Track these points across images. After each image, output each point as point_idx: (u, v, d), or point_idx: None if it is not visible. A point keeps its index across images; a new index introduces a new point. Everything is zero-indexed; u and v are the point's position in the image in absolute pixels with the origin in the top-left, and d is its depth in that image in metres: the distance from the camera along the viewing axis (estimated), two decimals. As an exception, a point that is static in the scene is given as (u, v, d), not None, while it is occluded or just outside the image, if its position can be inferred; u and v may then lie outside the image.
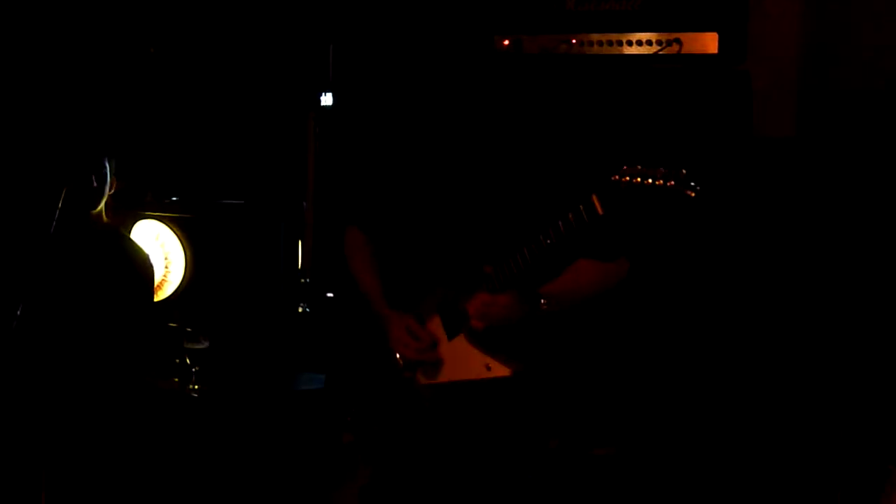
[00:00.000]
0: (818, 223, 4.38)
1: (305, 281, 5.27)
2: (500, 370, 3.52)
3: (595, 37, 4.53)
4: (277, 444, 4.74)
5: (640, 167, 3.08)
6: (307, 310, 5.26)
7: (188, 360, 4.84)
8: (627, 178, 3.08)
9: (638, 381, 4.49)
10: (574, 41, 4.55)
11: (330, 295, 5.18)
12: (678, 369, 4.47)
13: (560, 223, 3.27)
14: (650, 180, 3.05)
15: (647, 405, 4.49)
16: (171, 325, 4.89)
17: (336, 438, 4.11)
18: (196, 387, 4.82)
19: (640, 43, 4.47)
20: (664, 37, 4.44)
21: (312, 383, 5.03)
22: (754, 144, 4.46)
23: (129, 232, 4.86)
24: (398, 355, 3.71)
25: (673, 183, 3.02)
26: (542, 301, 3.49)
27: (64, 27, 5.15)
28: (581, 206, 3.21)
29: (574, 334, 3.74)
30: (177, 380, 4.84)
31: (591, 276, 3.55)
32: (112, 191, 3.99)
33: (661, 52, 4.43)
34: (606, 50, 4.53)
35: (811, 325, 4.36)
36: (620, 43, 4.50)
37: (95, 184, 3.92)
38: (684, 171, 3.01)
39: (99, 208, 3.96)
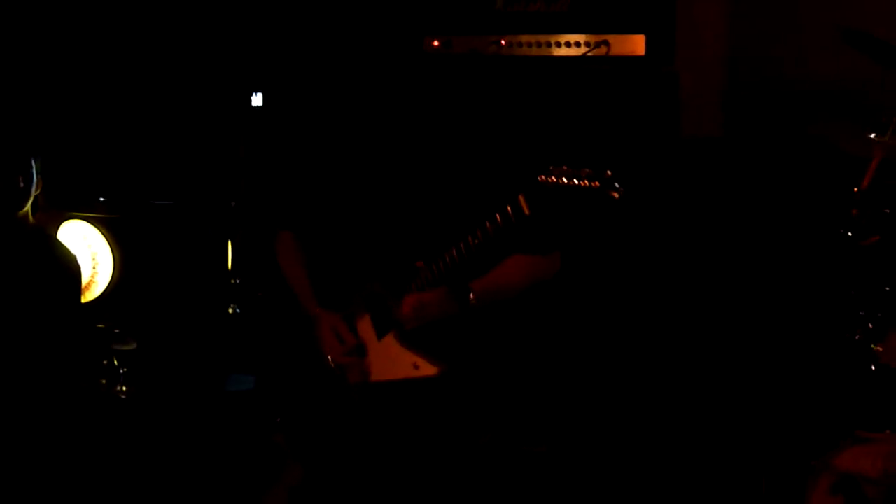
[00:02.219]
0: (745, 221, 4.44)
1: (235, 281, 5.25)
2: (428, 369, 3.53)
3: (524, 38, 4.56)
4: (207, 446, 4.72)
5: (565, 168, 3.11)
6: (237, 310, 5.24)
7: (116, 362, 4.80)
8: (553, 179, 3.11)
9: (568, 378, 4.52)
10: (503, 42, 4.57)
11: (260, 295, 5.17)
12: (607, 366, 4.50)
13: (488, 223, 3.30)
14: (576, 181, 3.08)
15: (577, 403, 4.52)
16: (99, 325, 4.85)
17: (267, 439, 4.10)
18: (124, 388, 4.78)
19: (568, 44, 4.51)
20: (593, 38, 4.47)
21: (243, 384, 5.01)
22: (682, 144, 4.50)
23: (56, 233, 4.81)
24: (328, 356, 3.72)
25: (598, 184, 3.05)
26: (472, 296, 3.51)
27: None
28: (508, 207, 3.24)
29: (501, 332, 3.76)
30: (104, 381, 4.80)
31: (522, 270, 3.59)
32: (38, 191, 3.96)
33: (589, 54, 4.47)
34: (536, 51, 4.55)
35: (736, 323, 4.41)
36: (549, 44, 4.53)
37: (21, 184, 3.89)
38: (609, 172, 3.04)
39: (25, 209, 3.92)
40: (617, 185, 3.02)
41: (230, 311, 5.24)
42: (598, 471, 4.41)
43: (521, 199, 3.20)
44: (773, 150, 4.47)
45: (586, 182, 3.05)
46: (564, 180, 3.08)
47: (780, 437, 4.19)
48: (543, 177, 3.12)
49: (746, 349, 4.38)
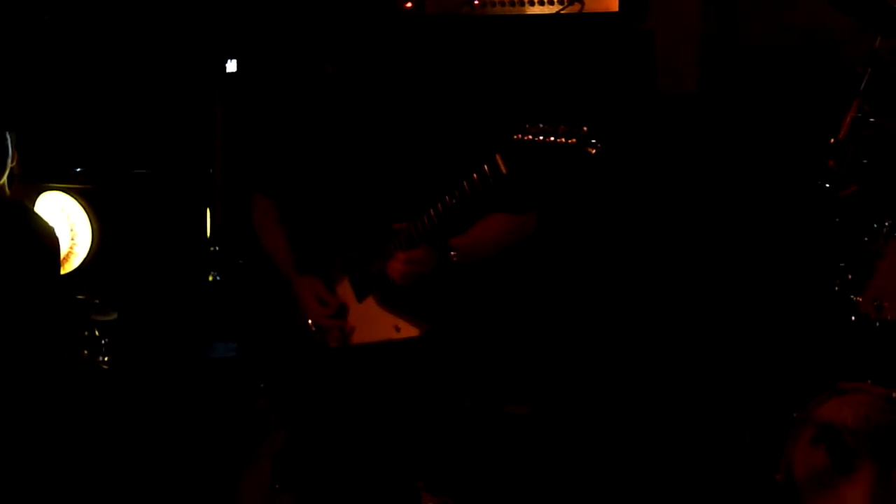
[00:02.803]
0: (722, 176, 4.44)
1: (215, 249, 5.24)
2: (409, 331, 3.54)
3: (497, -4, 4.55)
4: (191, 413, 4.72)
5: (541, 125, 3.10)
6: (218, 278, 5.23)
7: (97, 332, 4.79)
8: (530, 137, 3.10)
9: (550, 339, 4.53)
10: (476, 2, 4.55)
11: (240, 262, 5.16)
12: (588, 326, 4.51)
13: (465, 182, 3.29)
14: (552, 138, 3.07)
15: (560, 364, 4.53)
16: (79, 297, 4.84)
17: (250, 405, 4.11)
18: (106, 358, 4.78)
19: (542, 2, 4.49)
20: (566, -4, 4.47)
21: (225, 351, 5.01)
22: (657, 101, 4.50)
23: (33, 205, 4.79)
24: (309, 320, 3.72)
25: (574, 140, 3.04)
26: (452, 253, 3.51)
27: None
28: (485, 166, 3.23)
29: (482, 293, 3.76)
30: (86, 352, 4.80)
31: (500, 227, 3.60)
32: (14, 164, 3.93)
33: (563, 12, 4.45)
34: (509, 10, 4.54)
35: (716, 278, 4.43)
36: (523, 3, 4.52)
37: (-4, 157, 3.86)
38: (585, 129, 3.03)
39: (1, 182, 3.90)
40: (593, 140, 3.02)
41: (210, 278, 5.24)
42: (582, 432, 4.43)
43: (498, 157, 3.19)
44: (749, 104, 4.47)
45: (563, 139, 3.05)
46: (541, 138, 3.08)
47: (762, 390, 4.21)
48: (519, 135, 3.12)
49: (726, 303, 4.40)
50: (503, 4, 4.53)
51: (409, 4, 4.55)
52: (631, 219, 4.48)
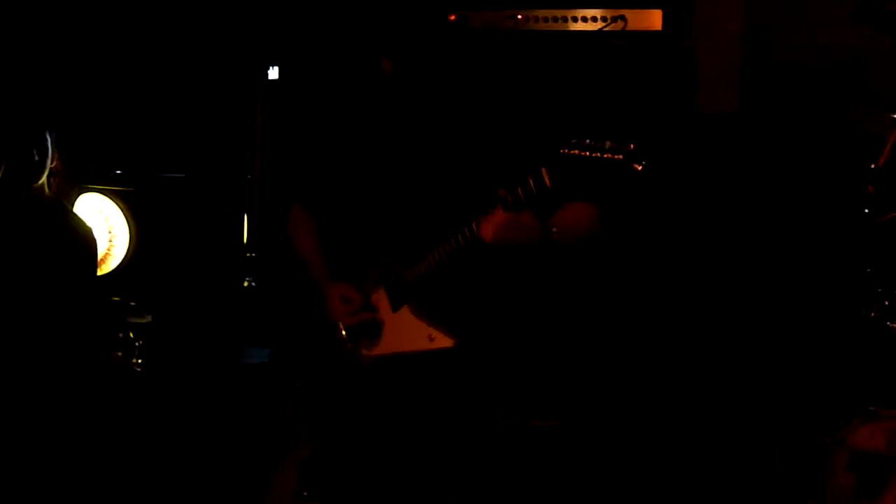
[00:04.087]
0: (762, 198, 4.44)
1: (251, 255, 5.26)
2: (443, 341, 3.53)
3: (541, 13, 4.56)
4: (222, 419, 4.73)
5: (588, 141, 3.10)
6: (252, 284, 5.24)
7: (132, 334, 4.81)
8: (576, 151, 3.10)
9: (581, 353, 4.53)
10: (520, 17, 4.57)
11: (275, 269, 5.18)
12: (622, 341, 4.51)
13: (509, 195, 3.29)
14: (598, 153, 3.07)
15: (590, 377, 4.52)
16: (115, 298, 4.86)
17: (281, 412, 4.11)
18: (139, 361, 4.79)
19: (585, 19, 4.50)
20: (609, 13, 4.47)
21: (258, 357, 5.02)
22: (698, 120, 4.50)
23: (72, 205, 4.81)
24: (340, 325, 3.72)
25: (620, 157, 3.04)
26: (554, 230, 3.48)
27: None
28: (530, 179, 3.23)
29: (514, 305, 3.75)
30: (120, 354, 4.81)
31: (587, 212, 3.57)
32: (53, 164, 3.95)
33: (606, 29, 4.46)
34: (552, 26, 4.55)
35: (754, 299, 4.42)
36: (566, 19, 4.53)
37: (37, 157, 3.88)
38: (632, 146, 3.03)
39: (41, 181, 3.92)
40: (640, 157, 3.02)
41: (245, 284, 5.25)
42: (609, 447, 4.42)
43: (544, 171, 3.20)
44: (789, 126, 4.47)
45: (609, 154, 3.05)
46: (587, 153, 3.08)
47: (795, 415, 4.20)
48: (566, 149, 3.12)
49: (763, 325, 4.39)
50: (546, 20, 4.54)
51: (453, 17, 4.56)
52: (667, 237, 4.47)
